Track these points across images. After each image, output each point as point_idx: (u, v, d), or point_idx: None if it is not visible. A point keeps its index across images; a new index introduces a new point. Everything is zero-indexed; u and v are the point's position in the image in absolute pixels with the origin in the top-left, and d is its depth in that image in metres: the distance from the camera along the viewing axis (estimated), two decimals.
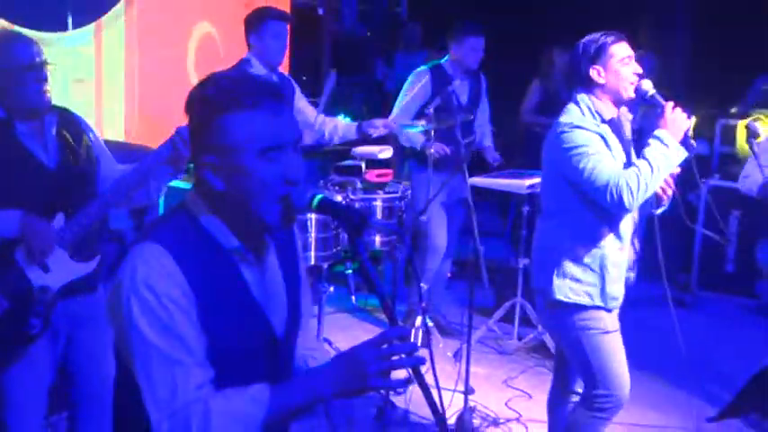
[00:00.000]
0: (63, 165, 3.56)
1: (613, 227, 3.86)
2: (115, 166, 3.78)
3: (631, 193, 3.63)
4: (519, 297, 6.43)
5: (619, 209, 3.71)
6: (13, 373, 3.50)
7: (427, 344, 6.09)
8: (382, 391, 4.44)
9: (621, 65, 3.81)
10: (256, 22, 5.33)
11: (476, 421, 5.19)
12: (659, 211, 4.05)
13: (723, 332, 5.65)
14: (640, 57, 4.28)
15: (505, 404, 5.50)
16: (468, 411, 5.12)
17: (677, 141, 3.70)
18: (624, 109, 4.02)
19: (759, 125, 4.72)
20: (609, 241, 3.86)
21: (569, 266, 3.90)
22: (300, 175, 2.09)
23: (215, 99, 2.06)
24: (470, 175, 5.47)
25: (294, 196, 2.09)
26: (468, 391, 5.18)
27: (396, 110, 6.28)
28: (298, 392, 2.03)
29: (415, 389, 5.44)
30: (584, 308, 3.90)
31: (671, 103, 3.77)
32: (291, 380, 2.17)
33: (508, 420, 5.29)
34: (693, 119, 3.78)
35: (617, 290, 3.91)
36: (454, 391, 5.23)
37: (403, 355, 2.01)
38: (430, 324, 6.16)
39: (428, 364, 5.82)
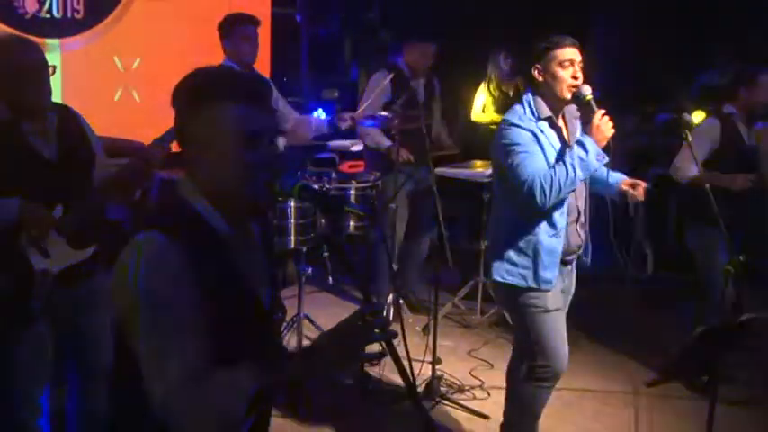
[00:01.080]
0: (63, 159, 3.53)
1: (547, 215, 3.87)
2: (107, 160, 3.76)
3: (544, 193, 3.69)
4: (481, 276, 6.45)
5: (532, 205, 3.74)
6: (17, 348, 3.48)
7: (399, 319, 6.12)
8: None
9: (560, 68, 3.80)
10: (227, 28, 5.36)
11: (443, 388, 5.20)
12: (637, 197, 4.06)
13: (667, 306, 5.70)
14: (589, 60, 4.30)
15: (469, 373, 5.51)
16: (435, 380, 5.15)
17: (599, 148, 3.73)
18: (573, 108, 4.03)
19: (692, 118, 4.73)
20: (542, 228, 3.87)
21: (507, 250, 3.94)
22: (281, 162, 2.10)
23: (206, 89, 2.06)
24: (435, 167, 5.49)
25: (278, 181, 2.10)
26: (435, 362, 5.21)
27: (360, 108, 6.28)
28: (286, 369, 2.03)
29: (388, 361, 5.48)
30: (519, 288, 3.94)
31: (602, 112, 3.78)
32: (286, 358, 2.16)
33: (472, 387, 5.30)
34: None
35: (550, 274, 3.90)
36: (422, 361, 5.26)
37: (379, 330, 2.00)
38: (400, 301, 6.15)
39: (399, 337, 5.86)
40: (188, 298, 1.97)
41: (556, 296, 3.98)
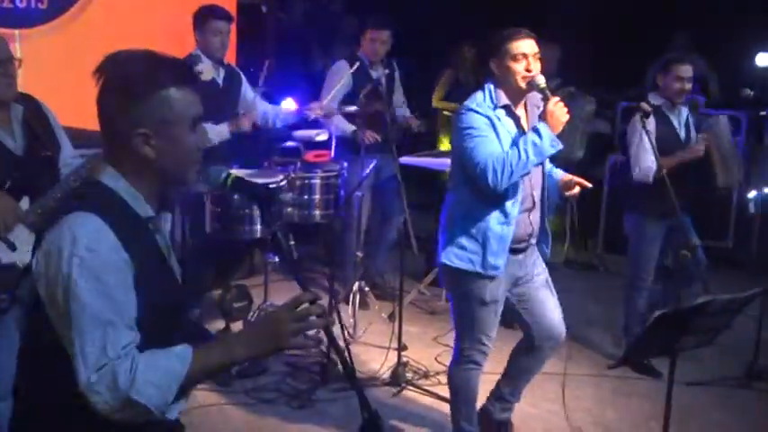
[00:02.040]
0: (29, 151, 3.53)
1: (498, 203, 3.92)
2: (72, 151, 3.76)
3: (496, 175, 3.75)
4: None
5: (485, 187, 3.80)
6: None
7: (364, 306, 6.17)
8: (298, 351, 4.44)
9: (514, 61, 3.88)
10: (200, 20, 5.37)
11: (408, 374, 5.25)
12: (570, 194, 4.14)
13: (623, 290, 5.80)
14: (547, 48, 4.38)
15: (435, 359, 5.55)
16: (401, 365, 5.19)
17: (554, 134, 3.81)
18: (536, 97, 4.08)
19: (645, 105, 4.80)
20: (493, 215, 3.93)
21: (457, 234, 4.00)
22: (206, 142, 2.18)
23: (154, 75, 2.07)
24: (399, 155, 5.53)
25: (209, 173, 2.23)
26: (401, 348, 5.25)
27: (324, 95, 6.30)
28: (216, 354, 2.03)
29: (355, 348, 5.51)
30: (466, 273, 3.98)
31: (555, 98, 3.87)
32: (212, 341, 2.17)
33: (437, 373, 5.33)
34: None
35: (499, 261, 3.94)
36: (388, 348, 5.30)
37: (314, 317, 2.03)
38: (366, 289, 6.18)
39: (365, 324, 5.90)
40: (120, 282, 1.98)
41: (497, 287, 4.01)
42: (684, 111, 5.52)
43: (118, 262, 1.99)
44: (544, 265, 4.27)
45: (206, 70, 5.28)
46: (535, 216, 4.10)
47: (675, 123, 5.44)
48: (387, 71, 6.38)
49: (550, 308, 4.21)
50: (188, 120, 2.10)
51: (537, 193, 4.09)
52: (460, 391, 4.27)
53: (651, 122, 5.17)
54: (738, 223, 8.14)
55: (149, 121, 2.06)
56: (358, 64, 6.13)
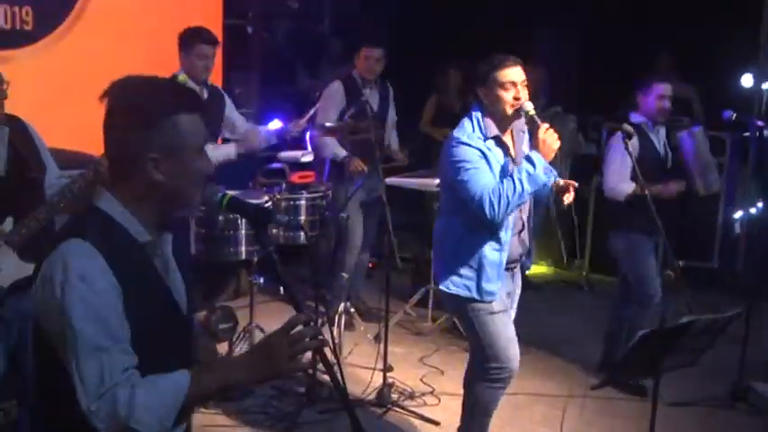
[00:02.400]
0: (13, 172, 3.53)
1: (492, 231, 3.99)
2: (58, 172, 3.76)
3: (492, 207, 3.81)
4: (432, 284, 6.49)
5: (483, 218, 3.86)
6: None
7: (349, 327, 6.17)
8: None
9: (503, 90, 3.93)
10: (186, 42, 5.39)
11: (394, 395, 5.25)
12: (567, 201, 4.15)
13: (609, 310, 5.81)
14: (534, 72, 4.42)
15: (420, 380, 5.56)
16: (386, 386, 5.20)
17: (546, 161, 3.86)
18: (521, 123, 4.12)
19: (628, 127, 4.85)
20: (487, 243, 4.00)
21: (453, 261, 4.06)
22: (212, 167, 2.20)
23: (168, 100, 2.11)
24: (386, 176, 5.55)
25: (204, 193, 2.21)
26: (386, 369, 5.26)
27: (319, 117, 6.32)
28: (214, 379, 2.04)
29: (343, 368, 5.51)
30: (464, 299, 4.05)
31: (545, 125, 3.91)
32: (211, 366, 2.16)
33: (423, 394, 5.35)
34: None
35: (493, 286, 4.01)
36: (374, 369, 5.31)
37: (310, 340, 2.04)
38: (352, 310, 6.19)
39: (351, 345, 5.90)
40: (112, 308, 2.00)
41: (500, 300, 4.09)
42: (662, 130, 5.56)
43: (109, 289, 2.01)
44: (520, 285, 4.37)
45: None
46: (525, 235, 4.19)
47: (655, 142, 5.48)
48: (380, 91, 6.42)
49: (512, 338, 4.18)
50: (197, 145, 2.13)
51: (525, 216, 4.17)
52: (480, 411, 4.27)
53: (634, 143, 5.23)
54: (723, 244, 8.19)
55: (160, 147, 2.08)
56: (341, 86, 6.18)
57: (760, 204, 7.54)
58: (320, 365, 2.23)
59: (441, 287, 4.13)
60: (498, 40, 4.43)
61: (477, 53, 4.11)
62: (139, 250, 2.14)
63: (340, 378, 2.17)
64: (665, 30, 8.79)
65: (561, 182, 4.17)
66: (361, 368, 5.62)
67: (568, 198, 4.13)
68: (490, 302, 4.03)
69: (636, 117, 5.48)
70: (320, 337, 2.06)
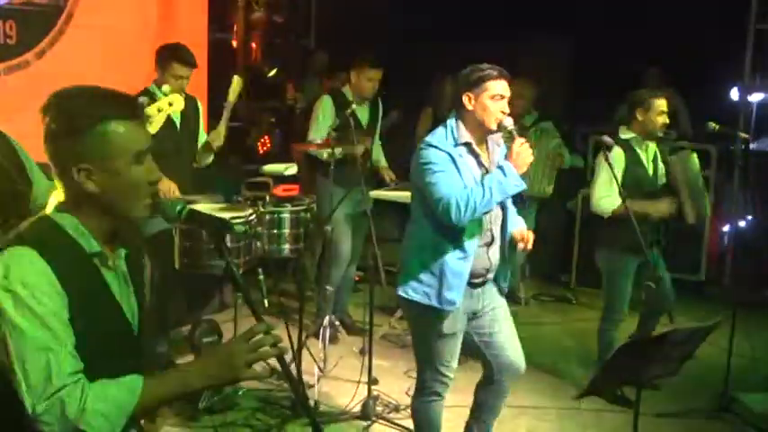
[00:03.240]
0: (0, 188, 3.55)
1: (457, 238, 3.97)
2: (47, 185, 3.78)
3: (459, 210, 3.80)
4: None
5: (448, 221, 3.86)
6: None
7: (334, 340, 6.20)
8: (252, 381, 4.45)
9: (492, 100, 3.95)
10: (166, 59, 5.40)
11: (379, 408, 5.28)
12: (521, 248, 4.14)
13: (597, 323, 5.84)
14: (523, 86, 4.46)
15: (406, 392, 5.54)
16: (371, 399, 5.22)
17: (518, 174, 3.88)
18: (498, 136, 4.17)
19: (607, 138, 4.90)
20: (451, 250, 3.97)
21: (415, 267, 4.05)
22: (158, 175, 2.20)
23: (93, 109, 2.10)
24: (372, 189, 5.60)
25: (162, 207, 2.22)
26: (371, 382, 5.29)
27: (311, 132, 6.38)
28: (170, 383, 2.08)
29: (325, 382, 5.54)
30: (422, 306, 4.03)
31: (521, 140, 3.94)
32: (165, 371, 2.18)
33: (408, 407, 5.32)
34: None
35: (454, 295, 3.98)
36: (358, 382, 5.34)
37: (269, 348, 2.08)
38: (337, 323, 6.22)
39: (336, 358, 5.91)
40: (55, 314, 2.02)
41: (455, 320, 4.05)
42: (653, 146, 5.58)
43: (52, 295, 2.02)
44: (503, 299, 4.31)
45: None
46: (494, 251, 4.13)
47: (643, 159, 5.50)
48: (371, 107, 6.51)
49: (509, 341, 4.25)
50: (130, 153, 2.11)
51: (496, 229, 4.12)
52: (423, 423, 4.32)
53: (620, 156, 5.29)
54: (710, 257, 8.26)
55: (90, 156, 2.09)
56: (330, 101, 6.25)
57: (750, 217, 7.63)
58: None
59: (399, 292, 4.09)
60: (488, 53, 4.45)
61: (467, 65, 4.10)
62: (88, 260, 2.15)
63: (303, 386, 2.20)
64: (653, 43, 8.88)
65: (519, 232, 4.14)
66: (346, 381, 5.65)
67: (521, 246, 4.12)
68: (446, 315, 4.00)
69: (625, 132, 5.51)
70: (280, 345, 2.10)
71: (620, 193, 5.00)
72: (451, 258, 3.97)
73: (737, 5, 8.17)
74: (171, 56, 5.41)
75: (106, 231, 2.19)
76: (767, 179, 7.96)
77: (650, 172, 5.52)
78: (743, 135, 5.79)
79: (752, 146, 7.84)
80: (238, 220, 4.96)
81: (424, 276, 4.01)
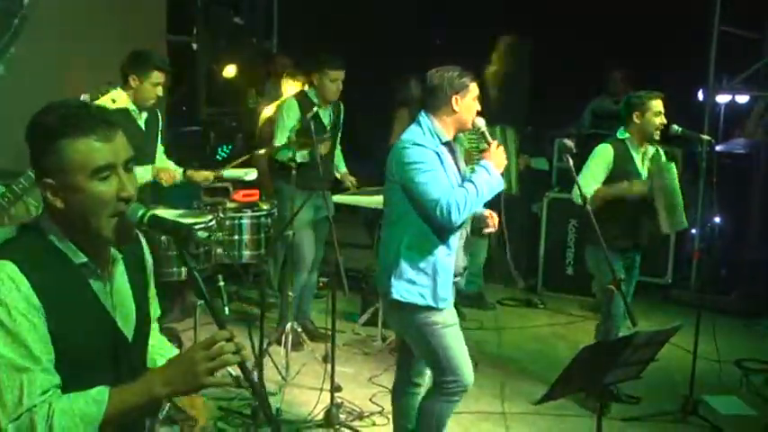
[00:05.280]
0: None
1: (444, 236, 4.03)
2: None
3: (458, 210, 3.88)
4: (381, 302, 6.55)
5: (445, 223, 3.91)
6: None
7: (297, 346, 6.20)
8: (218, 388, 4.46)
9: (474, 101, 4.11)
10: (141, 66, 5.31)
11: (342, 415, 5.28)
12: (487, 231, 4.26)
13: (563, 327, 5.89)
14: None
15: (370, 399, 5.60)
16: (334, 407, 5.23)
17: (498, 174, 4.02)
18: (461, 135, 4.26)
19: (567, 141, 4.94)
20: (441, 248, 4.04)
21: (406, 269, 4.04)
22: (133, 191, 2.19)
23: (53, 126, 2.12)
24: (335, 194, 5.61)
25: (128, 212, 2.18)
26: (334, 389, 5.29)
27: (276, 135, 6.39)
28: (133, 393, 2.09)
29: (288, 390, 5.54)
30: (418, 307, 4.06)
31: (496, 142, 4.10)
32: (130, 382, 2.17)
33: (372, 414, 5.39)
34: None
35: (446, 292, 4.06)
36: (321, 389, 5.35)
37: (230, 355, 2.10)
38: (299, 330, 6.22)
39: (299, 365, 5.90)
40: (31, 329, 2.03)
41: (451, 312, 4.14)
42: (651, 149, 5.63)
43: (29, 311, 2.04)
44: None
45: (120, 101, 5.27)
46: (463, 247, 4.23)
47: (637, 161, 5.56)
48: (334, 110, 6.52)
49: (465, 351, 4.24)
50: (89, 169, 2.12)
51: (468, 228, 4.22)
52: (434, 426, 4.29)
53: (607, 151, 5.42)
54: (678, 260, 8.36)
55: (53, 172, 2.12)
56: (295, 103, 6.27)
57: (717, 220, 7.72)
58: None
59: (394, 297, 4.07)
60: (452, 55, 4.49)
61: (432, 66, 4.19)
62: (75, 272, 2.17)
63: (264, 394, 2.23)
64: (618, 44, 8.97)
65: (485, 212, 4.23)
66: (308, 389, 5.66)
67: (488, 228, 4.21)
68: (443, 311, 4.07)
69: (623, 133, 5.58)
70: (242, 351, 2.11)
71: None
72: (442, 255, 4.04)
73: (702, 6, 8.26)
74: (149, 63, 5.32)
75: (89, 243, 2.20)
76: (733, 181, 8.07)
77: (643, 174, 5.56)
78: (705, 137, 5.83)
79: (718, 148, 7.93)
80: (198, 227, 4.95)
81: (416, 277, 4.04)
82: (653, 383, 5.49)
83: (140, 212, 2.18)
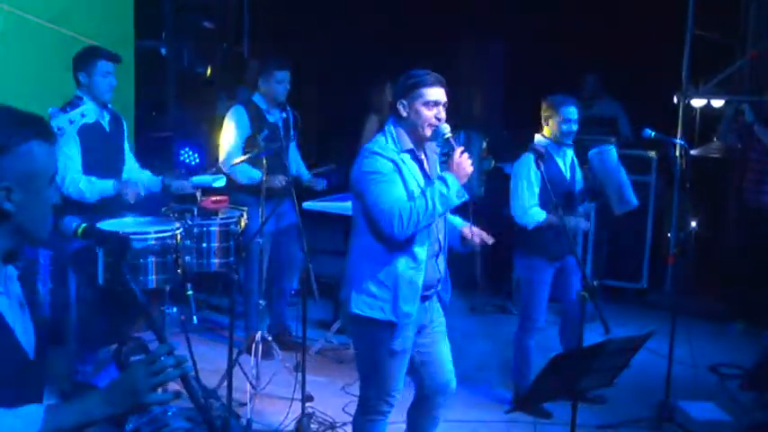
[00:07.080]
0: None
1: (406, 248, 3.93)
2: None
3: (402, 223, 3.78)
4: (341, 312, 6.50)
5: (390, 234, 3.83)
6: None
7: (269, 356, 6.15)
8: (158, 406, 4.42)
9: (425, 107, 3.93)
10: (86, 61, 5.29)
11: (314, 426, 5.25)
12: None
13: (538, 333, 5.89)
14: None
15: (342, 409, 5.57)
16: (305, 417, 5.19)
17: (459, 184, 3.87)
18: (433, 144, 4.17)
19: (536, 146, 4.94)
20: (403, 261, 3.94)
21: (366, 282, 3.97)
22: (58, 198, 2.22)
23: (18, 128, 2.10)
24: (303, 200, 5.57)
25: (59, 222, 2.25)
26: (305, 398, 5.25)
27: (223, 150, 6.36)
28: (72, 413, 2.06)
29: (258, 400, 5.49)
30: (376, 323, 3.96)
31: (461, 149, 3.93)
32: (67, 401, 2.15)
33: (345, 424, 5.34)
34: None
35: (409, 307, 3.96)
36: (292, 399, 5.31)
37: (171, 369, 2.08)
38: (269, 338, 6.17)
39: (270, 375, 5.85)
40: None
41: (406, 336, 4.02)
42: (570, 152, 5.67)
43: None
44: (443, 314, 4.30)
45: (89, 113, 5.25)
46: (441, 261, 4.14)
47: (561, 164, 5.60)
48: (284, 115, 6.46)
49: (447, 360, 4.26)
50: (49, 174, 2.15)
51: (442, 238, 4.13)
52: None
53: (531, 162, 5.37)
54: (652, 265, 8.38)
55: (12, 175, 2.09)
56: (244, 111, 6.25)
57: (692, 224, 7.74)
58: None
59: (353, 311, 3.99)
60: (423, 58, 4.46)
61: (402, 70, 4.10)
62: None
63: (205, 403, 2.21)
64: (591, 49, 9.00)
65: (468, 229, 4.20)
66: (279, 399, 5.61)
67: (474, 243, 4.17)
68: (399, 330, 3.96)
69: (540, 140, 5.58)
70: (183, 365, 2.11)
71: (550, 203, 5.08)
72: (404, 269, 3.94)
73: (676, 11, 8.29)
74: (94, 54, 5.31)
75: (5, 252, 2.17)
76: (708, 185, 8.11)
77: (567, 176, 5.62)
78: (678, 142, 5.86)
79: (693, 152, 7.95)
80: (165, 234, 4.89)
81: (376, 290, 3.95)
82: (628, 389, 5.50)
83: (74, 224, 2.18)
